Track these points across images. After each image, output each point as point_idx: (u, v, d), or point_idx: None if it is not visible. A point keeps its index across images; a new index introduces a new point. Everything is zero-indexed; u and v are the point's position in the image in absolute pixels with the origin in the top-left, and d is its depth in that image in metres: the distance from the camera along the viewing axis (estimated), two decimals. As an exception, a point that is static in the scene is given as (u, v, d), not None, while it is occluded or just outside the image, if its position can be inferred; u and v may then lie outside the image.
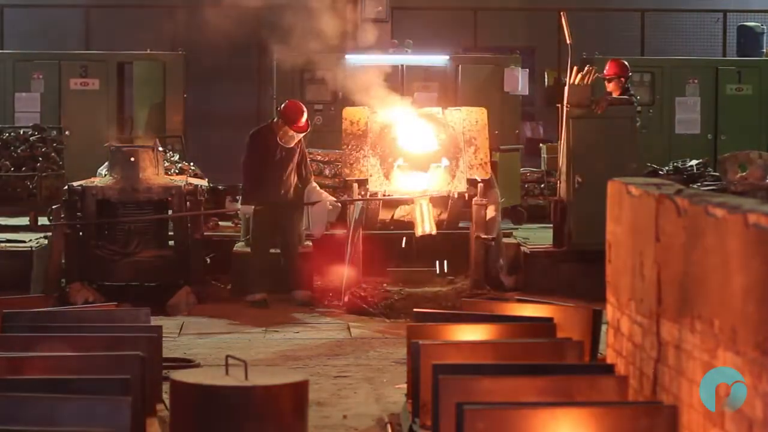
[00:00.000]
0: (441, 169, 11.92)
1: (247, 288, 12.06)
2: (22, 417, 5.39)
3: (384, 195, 11.97)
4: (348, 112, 12.33)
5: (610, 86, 13.64)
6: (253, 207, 12.06)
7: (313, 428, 6.95)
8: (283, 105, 12.28)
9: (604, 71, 13.71)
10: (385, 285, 11.84)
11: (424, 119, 12.28)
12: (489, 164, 12.17)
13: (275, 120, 12.20)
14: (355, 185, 12.05)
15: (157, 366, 7.21)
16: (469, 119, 12.26)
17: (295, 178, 12.20)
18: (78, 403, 5.51)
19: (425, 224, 11.76)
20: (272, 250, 12.19)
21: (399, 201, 12.03)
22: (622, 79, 13.63)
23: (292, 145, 12.07)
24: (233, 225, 14.17)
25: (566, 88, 12.73)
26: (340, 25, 16.65)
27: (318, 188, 12.32)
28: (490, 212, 12.18)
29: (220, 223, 14.25)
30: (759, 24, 19.44)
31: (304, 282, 12.15)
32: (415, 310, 9.96)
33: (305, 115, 12.05)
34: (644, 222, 5.88)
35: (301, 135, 12.08)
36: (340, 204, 12.44)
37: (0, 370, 6.28)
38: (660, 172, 14.98)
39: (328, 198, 12.22)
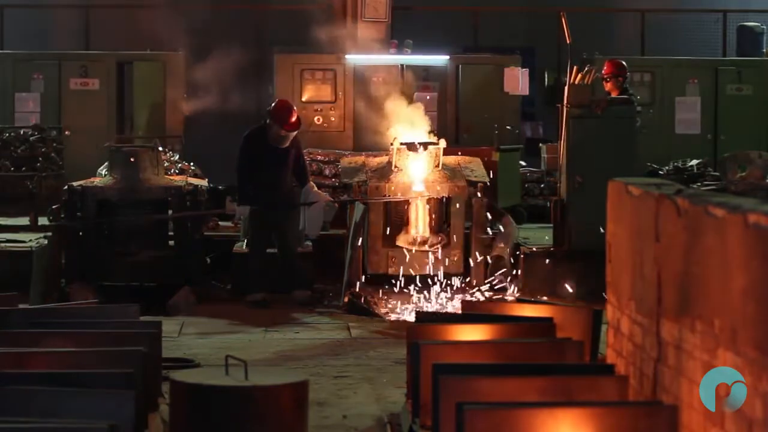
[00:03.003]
0: (440, 149, 11.98)
1: (247, 288, 12.06)
2: (27, 410, 5.43)
3: (385, 195, 11.97)
4: (345, 159, 12.68)
5: (608, 86, 13.64)
6: (248, 208, 12.07)
7: (313, 428, 6.94)
8: (272, 105, 12.25)
9: (602, 71, 13.71)
10: (385, 285, 11.85)
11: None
12: (486, 177, 12.29)
13: (267, 121, 12.15)
14: (355, 184, 12.08)
15: (157, 362, 7.22)
16: (464, 160, 12.54)
17: (293, 178, 12.19)
18: (83, 397, 5.56)
19: (419, 226, 11.85)
20: (270, 250, 12.19)
21: (398, 202, 12.00)
22: (620, 78, 13.63)
23: (285, 145, 12.02)
24: (233, 225, 14.16)
25: (566, 88, 12.74)
26: (340, 25, 16.66)
27: (315, 188, 12.32)
28: (507, 232, 12.32)
29: (220, 223, 14.24)
30: (759, 24, 19.42)
31: (303, 282, 12.15)
32: (415, 310, 9.98)
33: (295, 114, 12.02)
34: (644, 222, 5.87)
35: (292, 133, 11.99)
36: (337, 205, 12.44)
37: (4, 364, 6.31)
38: (660, 172, 14.98)
39: (324, 198, 12.22)
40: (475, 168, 12.33)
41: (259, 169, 11.99)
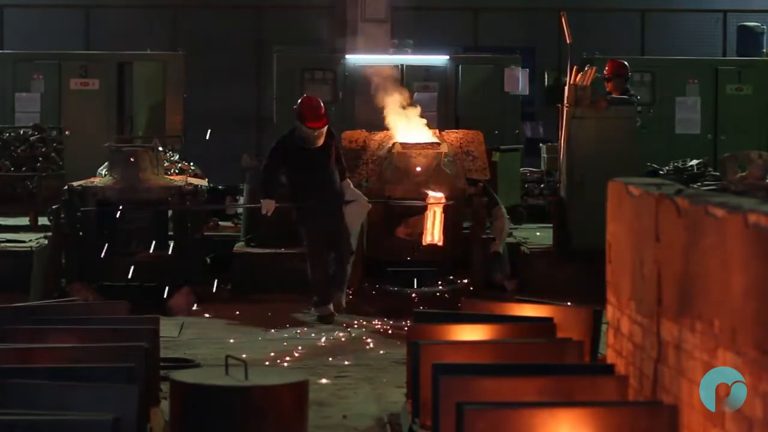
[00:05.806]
0: (441, 151, 11.97)
1: (320, 299, 11.38)
2: (33, 404, 5.47)
3: (386, 196, 11.94)
4: (346, 134, 12.52)
5: (609, 86, 13.66)
6: (273, 202, 11.29)
7: (313, 428, 6.94)
8: (297, 103, 11.46)
9: (604, 71, 13.73)
10: (384, 284, 11.83)
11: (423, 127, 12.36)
12: (488, 170, 12.26)
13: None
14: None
15: (156, 358, 7.25)
16: (466, 138, 12.47)
17: (337, 177, 11.51)
18: (86, 391, 5.59)
19: (435, 232, 11.66)
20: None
21: (414, 208, 11.83)
22: (622, 78, 13.64)
23: (318, 143, 11.23)
24: (233, 225, 14.16)
25: (566, 88, 12.75)
26: (340, 25, 16.65)
27: (352, 186, 11.71)
28: (498, 225, 12.28)
29: (220, 223, 14.24)
30: (759, 24, 19.44)
31: (343, 287, 11.51)
32: (415, 310, 9.98)
33: (320, 109, 11.21)
34: (644, 222, 5.87)
35: (320, 131, 11.16)
36: (371, 205, 11.99)
37: (8, 359, 6.34)
38: (660, 172, 14.98)
39: (361, 196, 11.67)
40: (475, 153, 12.27)
41: (297, 173, 11.32)
